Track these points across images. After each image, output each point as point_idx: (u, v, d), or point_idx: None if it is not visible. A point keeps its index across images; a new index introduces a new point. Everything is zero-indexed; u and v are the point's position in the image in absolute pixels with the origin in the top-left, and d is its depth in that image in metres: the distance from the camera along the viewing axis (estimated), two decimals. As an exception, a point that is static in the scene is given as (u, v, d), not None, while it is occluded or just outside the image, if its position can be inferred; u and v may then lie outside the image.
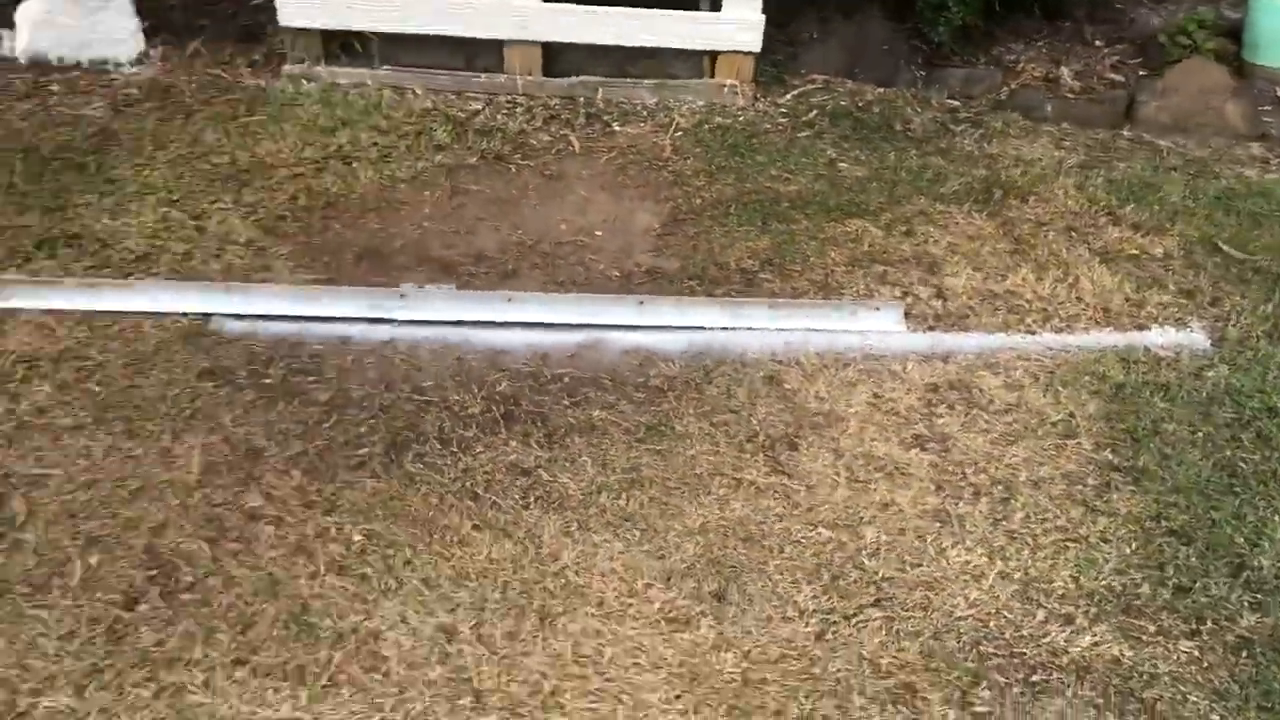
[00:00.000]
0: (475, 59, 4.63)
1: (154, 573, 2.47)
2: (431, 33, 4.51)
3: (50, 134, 4.09)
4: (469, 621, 2.41)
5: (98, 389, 2.95)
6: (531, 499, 2.73)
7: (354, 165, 4.04)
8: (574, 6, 4.49)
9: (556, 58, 4.62)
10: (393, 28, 4.50)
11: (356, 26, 4.51)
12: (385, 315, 3.29)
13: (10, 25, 4.51)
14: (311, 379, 3.06)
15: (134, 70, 4.55)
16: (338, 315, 3.28)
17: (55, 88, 4.41)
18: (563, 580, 2.52)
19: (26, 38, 4.48)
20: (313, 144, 4.13)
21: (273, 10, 4.88)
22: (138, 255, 3.48)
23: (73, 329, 3.14)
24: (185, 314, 3.22)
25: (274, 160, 4.02)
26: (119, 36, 4.52)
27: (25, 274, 3.34)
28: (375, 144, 4.17)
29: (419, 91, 4.51)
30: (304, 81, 4.50)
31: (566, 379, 3.13)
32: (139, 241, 3.53)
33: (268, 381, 3.03)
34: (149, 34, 4.65)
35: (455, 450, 2.85)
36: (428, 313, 3.30)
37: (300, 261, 3.54)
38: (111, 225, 3.60)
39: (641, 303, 3.38)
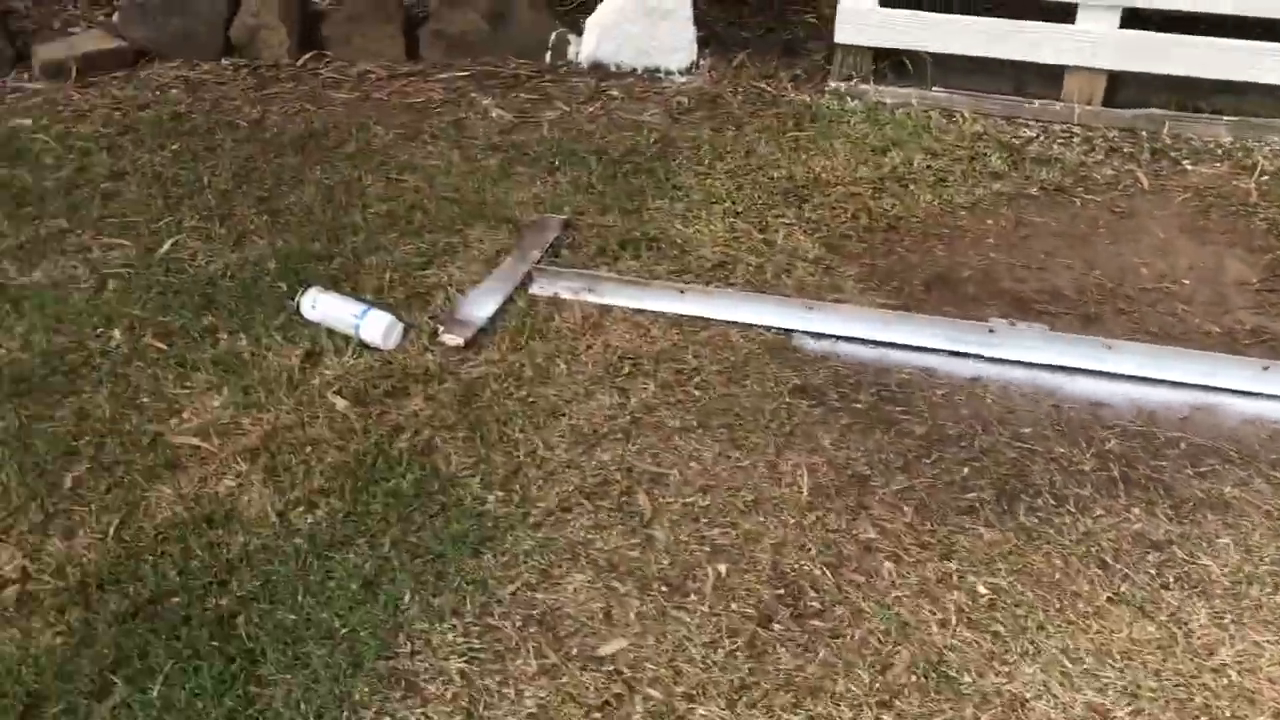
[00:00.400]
0: (1026, 84, 4.40)
1: (781, 592, 2.44)
2: (986, 55, 4.33)
3: (616, 137, 4.29)
4: (1124, 705, 2.19)
5: (698, 393, 2.99)
6: (1170, 578, 2.46)
7: (910, 187, 3.93)
8: (1152, 35, 4.15)
9: (1119, 88, 4.30)
10: (946, 48, 4.36)
11: (910, 46, 4.41)
12: (971, 350, 3.13)
13: (578, 32, 4.79)
14: (901, 409, 2.96)
15: (684, 80, 4.70)
16: (918, 345, 3.17)
17: (615, 92, 4.63)
18: (1225, 679, 2.24)
19: (593, 44, 4.74)
20: (865, 163, 4.07)
21: (810, 26, 4.93)
22: (713, 264, 3.54)
23: (666, 330, 3.23)
24: (769, 327, 3.23)
25: (829, 177, 3.99)
26: (676, 46, 4.69)
27: (615, 272, 3.48)
28: (929, 166, 4.05)
29: (967, 115, 4.34)
30: (848, 99, 4.46)
31: (1183, 444, 2.83)
32: (713, 250, 3.60)
33: (858, 406, 2.96)
34: (698, 45, 4.79)
35: (1072, 509, 2.64)
36: (1018, 352, 3.11)
37: (868, 283, 3.47)
38: (685, 232, 3.69)
39: (1266, 368, 3.01)
